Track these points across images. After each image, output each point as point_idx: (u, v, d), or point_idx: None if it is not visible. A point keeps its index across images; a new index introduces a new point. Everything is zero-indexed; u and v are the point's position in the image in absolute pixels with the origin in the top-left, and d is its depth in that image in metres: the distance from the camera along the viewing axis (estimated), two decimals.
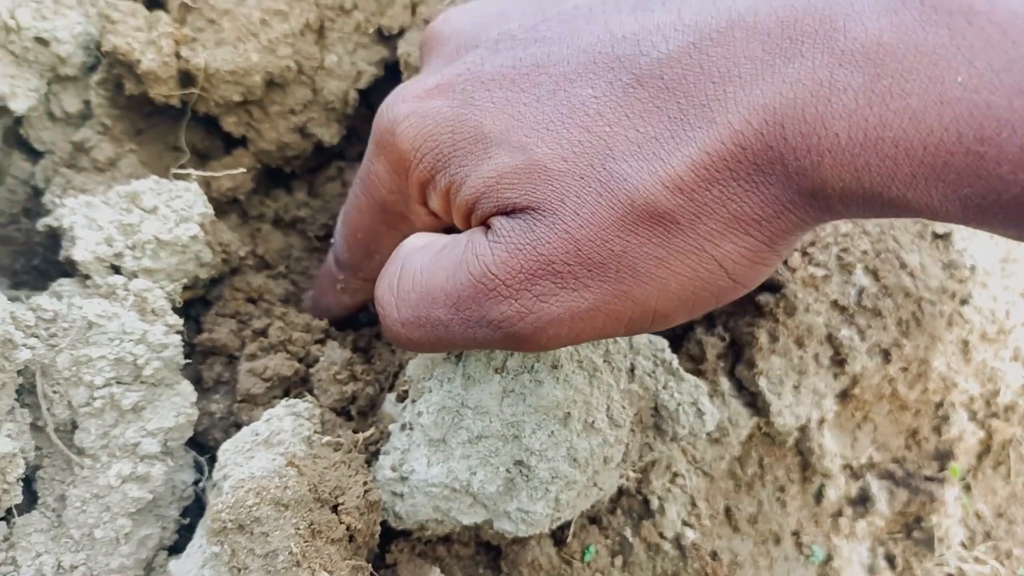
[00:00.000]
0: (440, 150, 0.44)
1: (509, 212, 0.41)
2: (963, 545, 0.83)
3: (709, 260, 0.38)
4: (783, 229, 0.38)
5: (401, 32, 0.69)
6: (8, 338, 0.46)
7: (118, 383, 0.51)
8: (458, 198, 0.44)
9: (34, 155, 0.66)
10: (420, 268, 0.45)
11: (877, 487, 0.77)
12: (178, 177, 0.59)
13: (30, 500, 0.51)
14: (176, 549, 0.54)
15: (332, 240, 0.59)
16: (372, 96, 0.72)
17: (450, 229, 0.49)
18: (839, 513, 0.76)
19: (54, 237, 0.61)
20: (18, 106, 0.61)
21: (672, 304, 0.40)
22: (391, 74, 0.71)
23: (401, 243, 0.49)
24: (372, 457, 0.56)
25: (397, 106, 0.46)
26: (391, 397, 0.60)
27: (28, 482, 0.51)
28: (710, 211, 0.37)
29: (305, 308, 0.67)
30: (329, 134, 0.70)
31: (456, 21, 0.49)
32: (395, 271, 0.47)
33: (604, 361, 0.56)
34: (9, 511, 0.50)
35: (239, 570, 0.46)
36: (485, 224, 0.43)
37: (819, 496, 0.75)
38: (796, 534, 0.73)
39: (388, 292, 0.46)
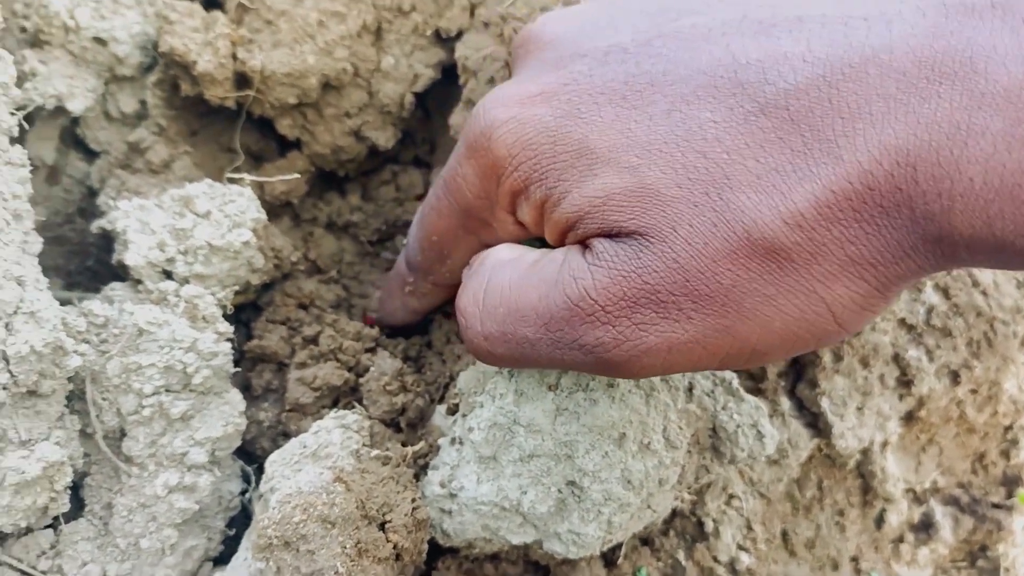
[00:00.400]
0: (539, 160, 0.42)
1: (614, 235, 0.39)
2: None
3: (819, 302, 0.36)
4: (899, 275, 0.36)
5: (459, 34, 0.67)
6: (59, 344, 0.46)
7: (167, 391, 0.50)
8: (555, 213, 0.42)
9: (90, 155, 0.66)
10: (509, 283, 0.43)
11: (941, 513, 0.74)
12: (232, 181, 0.58)
13: (77, 507, 0.51)
14: (221, 560, 0.53)
15: (404, 241, 0.58)
16: (428, 99, 0.71)
17: (533, 240, 0.48)
18: (900, 539, 0.73)
19: (107, 238, 0.60)
20: (75, 106, 0.61)
21: (773, 343, 0.38)
22: (448, 77, 0.69)
23: (485, 253, 0.48)
24: (421, 471, 0.55)
25: (496, 110, 0.44)
26: (441, 409, 0.59)
27: (75, 489, 0.50)
28: (827, 251, 0.35)
29: (371, 309, 0.66)
30: (384, 138, 0.69)
31: (558, 26, 0.47)
32: (481, 283, 0.45)
33: (662, 380, 0.54)
34: (56, 519, 0.50)
35: None
36: (583, 243, 0.41)
37: (880, 521, 0.72)
38: (855, 560, 0.70)
39: (473, 304, 0.45)
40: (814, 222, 0.35)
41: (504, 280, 0.44)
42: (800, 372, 0.67)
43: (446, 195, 0.50)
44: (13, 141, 0.51)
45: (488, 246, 0.50)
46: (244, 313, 0.64)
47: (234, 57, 0.62)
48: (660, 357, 0.39)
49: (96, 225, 0.58)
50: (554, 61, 0.45)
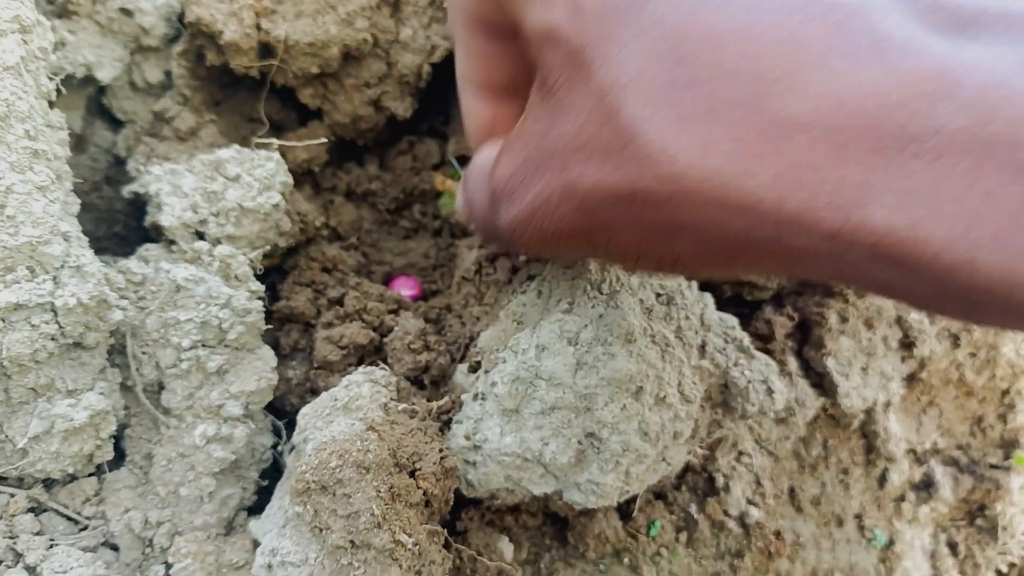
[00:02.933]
0: None
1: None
2: None
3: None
4: None
5: None
6: (103, 299, 0.48)
7: (204, 346, 0.52)
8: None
9: (115, 124, 0.67)
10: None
11: (941, 473, 0.77)
12: (260, 146, 0.60)
13: (118, 457, 0.53)
14: (255, 510, 0.55)
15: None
16: (445, 70, 0.73)
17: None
18: (902, 498, 0.75)
19: (135, 204, 0.62)
20: (104, 75, 0.62)
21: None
22: None
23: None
24: (444, 426, 0.57)
25: None
26: (463, 368, 0.61)
27: (116, 440, 0.52)
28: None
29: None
30: (402, 107, 0.70)
31: None
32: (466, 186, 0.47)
33: (676, 337, 0.56)
34: (100, 467, 0.51)
35: (321, 530, 0.47)
36: None
37: (883, 480, 0.74)
38: (859, 517, 0.73)
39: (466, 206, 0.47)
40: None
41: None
42: (807, 333, 0.69)
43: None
44: (52, 105, 0.53)
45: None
46: (269, 276, 0.65)
47: (258, 27, 0.64)
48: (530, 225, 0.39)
49: (128, 190, 0.60)
50: None
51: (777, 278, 0.69)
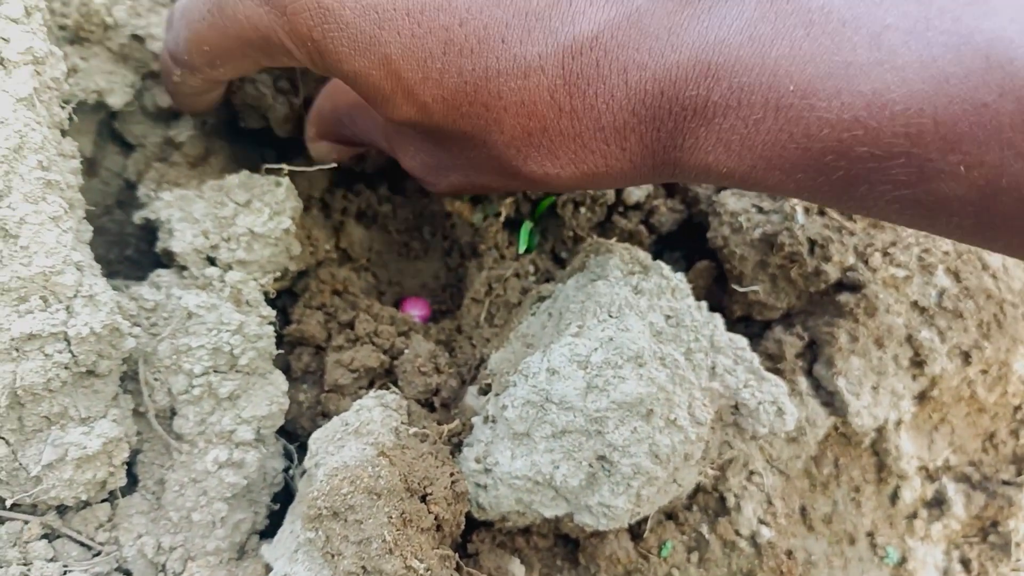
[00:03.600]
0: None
1: None
2: None
3: None
4: None
5: None
6: (116, 327, 0.48)
7: (215, 372, 0.53)
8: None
9: (126, 148, 0.68)
10: None
11: (953, 490, 0.77)
12: (269, 172, 0.60)
13: (131, 483, 0.53)
14: (267, 534, 0.56)
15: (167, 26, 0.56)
16: None
17: None
18: (914, 515, 0.75)
19: (147, 229, 0.62)
20: (115, 101, 0.63)
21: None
22: None
23: None
24: (455, 449, 0.57)
25: None
26: (473, 390, 0.61)
27: (129, 466, 0.52)
28: None
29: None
30: None
31: None
32: None
33: (686, 359, 0.56)
34: (112, 493, 0.52)
35: (333, 556, 0.47)
36: None
37: (894, 498, 0.74)
38: (871, 535, 0.72)
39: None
40: None
41: None
42: (817, 352, 0.69)
43: (228, 22, 0.49)
44: (64, 133, 0.53)
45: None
46: (280, 300, 0.66)
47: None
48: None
49: (139, 216, 0.60)
50: None
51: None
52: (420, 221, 0.74)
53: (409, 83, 0.45)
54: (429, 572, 0.48)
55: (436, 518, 0.50)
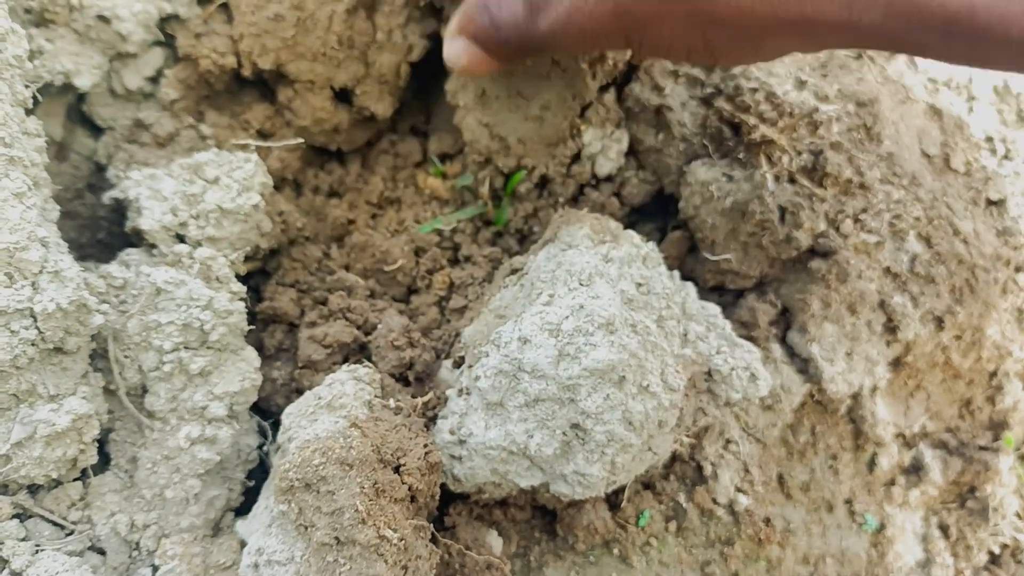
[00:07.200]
0: None
1: None
2: (1018, 515, 0.82)
3: None
4: None
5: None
6: (83, 303, 0.48)
7: (186, 348, 0.52)
8: None
9: (96, 131, 0.67)
10: None
11: (930, 456, 0.77)
12: (238, 148, 0.60)
13: (103, 461, 0.53)
14: (242, 511, 0.56)
15: None
16: (422, 69, 0.73)
17: None
18: (892, 482, 0.76)
19: (118, 211, 0.62)
20: (82, 82, 0.62)
21: None
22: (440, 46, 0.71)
23: None
24: (430, 422, 0.57)
25: None
26: (447, 364, 0.61)
27: (101, 444, 0.52)
28: None
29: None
30: (382, 107, 0.70)
31: None
32: None
33: (658, 326, 0.57)
34: (84, 471, 0.52)
35: (306, 527, 0.47)
36: None
37: (872, 465, 0.74)
38: (849, 502, 0.73)
39: None
40: None
41: None
42: (790, 319, 0.69)
43: None
44: (28, 113, 0.53)
45: None
46: (253, 279, 0.66)
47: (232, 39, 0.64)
48: None
49: (108, 196, 0.60)
50: None
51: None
52: (393, 198, 0.74)
53: None
54: (403, 542, 0.48)
55: (410, 488, 0.50)
